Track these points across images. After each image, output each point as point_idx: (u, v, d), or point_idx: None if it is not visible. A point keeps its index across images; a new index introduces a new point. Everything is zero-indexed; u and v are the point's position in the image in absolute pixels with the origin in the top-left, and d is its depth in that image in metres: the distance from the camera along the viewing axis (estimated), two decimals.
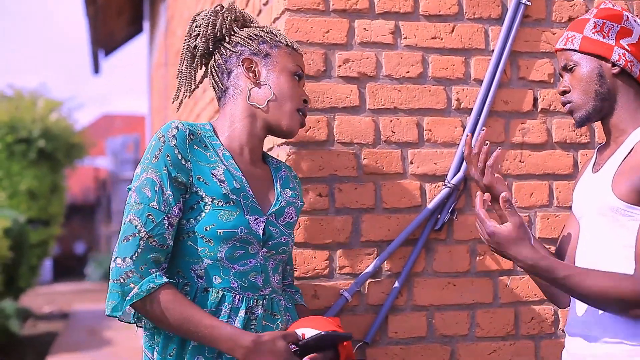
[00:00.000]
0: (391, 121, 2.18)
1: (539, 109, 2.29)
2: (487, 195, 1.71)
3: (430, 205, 2.17)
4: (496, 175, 1.91)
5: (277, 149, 2.19)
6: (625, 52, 1.75)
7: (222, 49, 1.81)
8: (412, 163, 2.19)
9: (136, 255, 1.57)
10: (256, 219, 1.70)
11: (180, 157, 1.65)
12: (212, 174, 1.67)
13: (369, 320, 2.13)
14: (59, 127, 9.89)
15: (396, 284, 2.14)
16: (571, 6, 2.31)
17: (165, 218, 1.61)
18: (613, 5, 1.81)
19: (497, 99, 2.25)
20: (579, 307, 1.78)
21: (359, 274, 2.12)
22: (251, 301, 1.68)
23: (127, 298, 1.56)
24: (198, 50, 1.82)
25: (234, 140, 1.77)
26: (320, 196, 2.12)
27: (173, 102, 1.87)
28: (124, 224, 1.61)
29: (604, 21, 1.77)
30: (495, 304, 2.23)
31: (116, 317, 1.60)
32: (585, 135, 2.32)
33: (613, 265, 1.69)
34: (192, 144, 1.68)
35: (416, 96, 2.20)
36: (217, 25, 1.80)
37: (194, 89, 1.87)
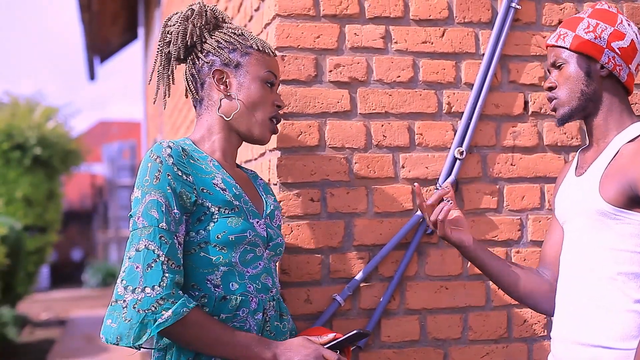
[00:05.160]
0: (382, 125, 2.18)
1: (529, 112, 2.29)
2: None
3: None
4: (458, 218, 1.89)
5: (269, 154, 2.20)
6: (616, 55, 1.74)
7: (194, 57, 1.82)
8: (403, 167, 2.20)
9: (164, 281, 1.55)
10: (257, 221, 1.74)
11: (180, 174, 1.65)
12: (214, 184, 1.69)
13: (361, 324, 2.14)
14: (56, 134, 9.87)
15: (389, 288, 2.15)
16: (561, 9, 2.32)
17: (175, 238, 1.61)
18: (609, 7, 1.80)
19: (487, 103, 2.26)
20: (566, 311, 1.77)
21: (352, 279, 2.13)
22: (265, 303, 1.72)
23: (160, 321, 1.52)
24: (171, 56, 1.83)
25: (216, 150, 1.80)
26: (312, 201, 2.12)
27: (154, 102, 1.88)
28: (138, 250, 1.56)
29: (598, 22, 1.76)
30: (488, 307, 2.24)
31: (135, 346, 1.52)
32: (576, 138, 2.32)
33: (599, 268, 1.69)
34: (187, 158, 1.69)
35: (407, 100, 2.21)
36: (188, 33, 1.79)
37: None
